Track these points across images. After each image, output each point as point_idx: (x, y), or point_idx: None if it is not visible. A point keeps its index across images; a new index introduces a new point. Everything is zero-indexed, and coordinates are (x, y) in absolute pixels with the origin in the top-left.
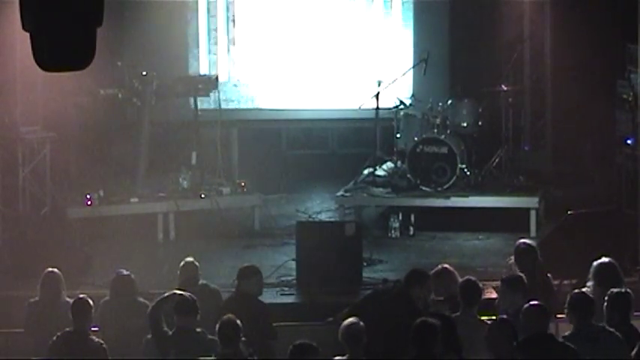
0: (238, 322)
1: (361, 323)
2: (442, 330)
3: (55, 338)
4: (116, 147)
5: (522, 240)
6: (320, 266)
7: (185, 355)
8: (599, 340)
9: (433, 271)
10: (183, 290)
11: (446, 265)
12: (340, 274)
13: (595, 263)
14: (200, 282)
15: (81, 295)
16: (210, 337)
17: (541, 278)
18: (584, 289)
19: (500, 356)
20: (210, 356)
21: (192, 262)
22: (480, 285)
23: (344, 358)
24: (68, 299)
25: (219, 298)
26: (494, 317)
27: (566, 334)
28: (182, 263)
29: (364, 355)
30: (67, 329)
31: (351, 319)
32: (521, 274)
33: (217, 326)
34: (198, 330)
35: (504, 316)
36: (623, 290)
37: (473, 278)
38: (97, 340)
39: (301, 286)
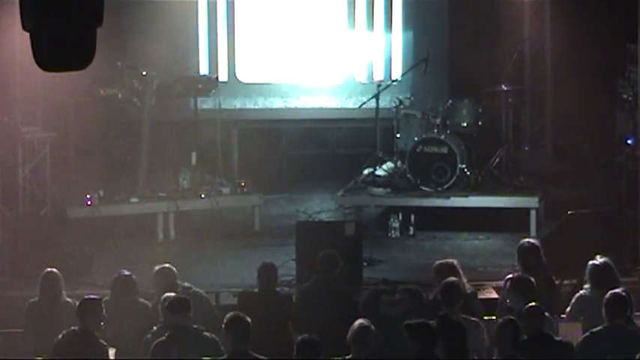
0: (248, 319)
1: (372, 327)
2: (451, 335)
3: (60, 337)
4: (116, 147)
5: (526, 239)
6: None
7: (187, 353)
8: (621, 341)
9: (438, 263)
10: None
11: (452, 261)
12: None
13: (589, 264)
14: (184, 284)
15: (93, 296)
16: (206, 334)
17: (544, 277)
18: (582, 291)
19: (505, 356)
20: (211, 353)
21: (168, 268)
22: (460, 287)
23: (348, 357)
24: (68, 299)
25: (206, 301)
26: (493, 317)
27: (594, 330)
28: (157, 269)
29: (370, 355)
30: (73, 328)
31: (361, 321)
32: (529, 277)
33: (226, 322)
34: (195, 327)
35: (510, 316)
36: (622, 291)
37: (453, 279)
38: (102, 342)
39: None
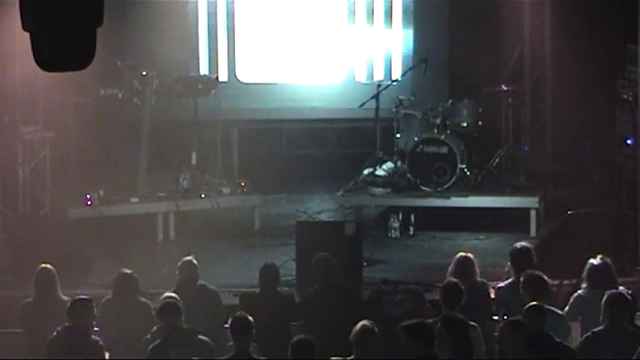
0: (250, 318)
1: (375, 328)
2: (457, 333)
3: (54, 334)
4: (116, 147)
5: (518, 243)
6: None
7: (186, 354)
8: (623, 341)
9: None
10: (181, 290)
11: (468, 255)
12: (340, 274)
13: (587, 264)
14: (198, 282)
15: (82, 296)
16: (201, 337)
17: None
18: (579, 291)
19: (510, 356)
20: (203, 356)
21: (190, 261)
22: (462, 287)
23: (351, 358)
24: (65, 297)
25: (217, 298)
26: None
27: (595, 330)
28: (181, 262)
29: (371, 355)
30: (67, 324)
31: (363, 322)
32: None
33: (229, 322)
34: (190, 329)
35: (517, 318)
36: (625, 292)
37: (455, 280)
38: (94, 337)
39: (301, 286)
